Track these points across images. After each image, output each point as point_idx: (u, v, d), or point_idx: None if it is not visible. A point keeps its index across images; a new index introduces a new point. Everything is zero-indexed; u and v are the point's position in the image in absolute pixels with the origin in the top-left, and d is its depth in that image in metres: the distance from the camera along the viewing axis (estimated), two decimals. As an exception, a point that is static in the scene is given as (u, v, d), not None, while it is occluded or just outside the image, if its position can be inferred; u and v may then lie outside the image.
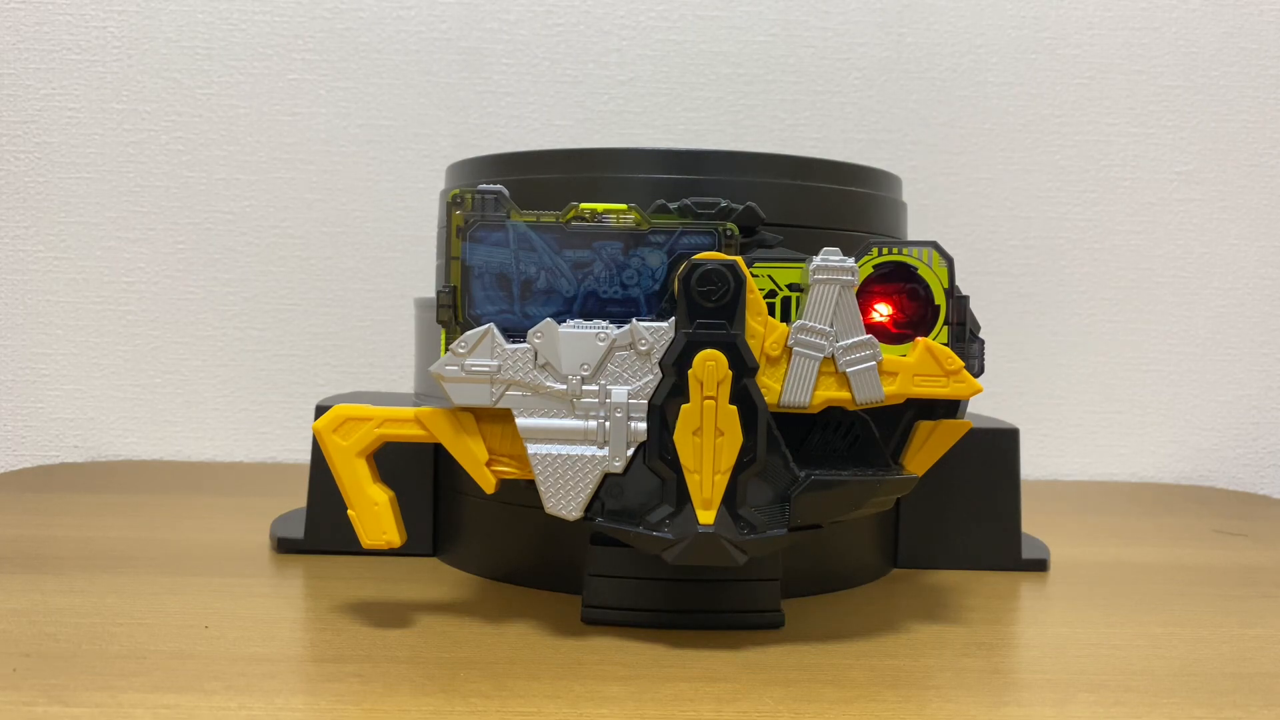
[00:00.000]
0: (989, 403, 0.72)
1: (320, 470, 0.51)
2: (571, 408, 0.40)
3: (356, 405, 0.42)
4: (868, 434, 0.42)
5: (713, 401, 0.39)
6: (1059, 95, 0.81)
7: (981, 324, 0.41)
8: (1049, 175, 0.81)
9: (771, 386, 0.39)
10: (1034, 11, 0.81)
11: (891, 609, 0.46)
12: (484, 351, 0.40)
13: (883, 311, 0.40)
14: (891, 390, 0.40)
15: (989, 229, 0.82)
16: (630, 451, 0.39)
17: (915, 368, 0.40)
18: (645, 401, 0.39)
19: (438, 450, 0.51)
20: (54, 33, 0.77)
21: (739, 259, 0.39)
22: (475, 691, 0.35)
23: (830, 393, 0.40)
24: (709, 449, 0.39)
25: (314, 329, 0.80)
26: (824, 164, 0.48)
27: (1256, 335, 0.83)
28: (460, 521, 0.51)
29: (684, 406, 0.39)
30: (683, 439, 0.39)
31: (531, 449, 0.40)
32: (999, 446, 0.54)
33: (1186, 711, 0.36)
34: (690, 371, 0.39)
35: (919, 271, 0.40)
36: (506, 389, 0.40)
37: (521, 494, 0.42)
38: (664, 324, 0.39)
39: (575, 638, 0.41)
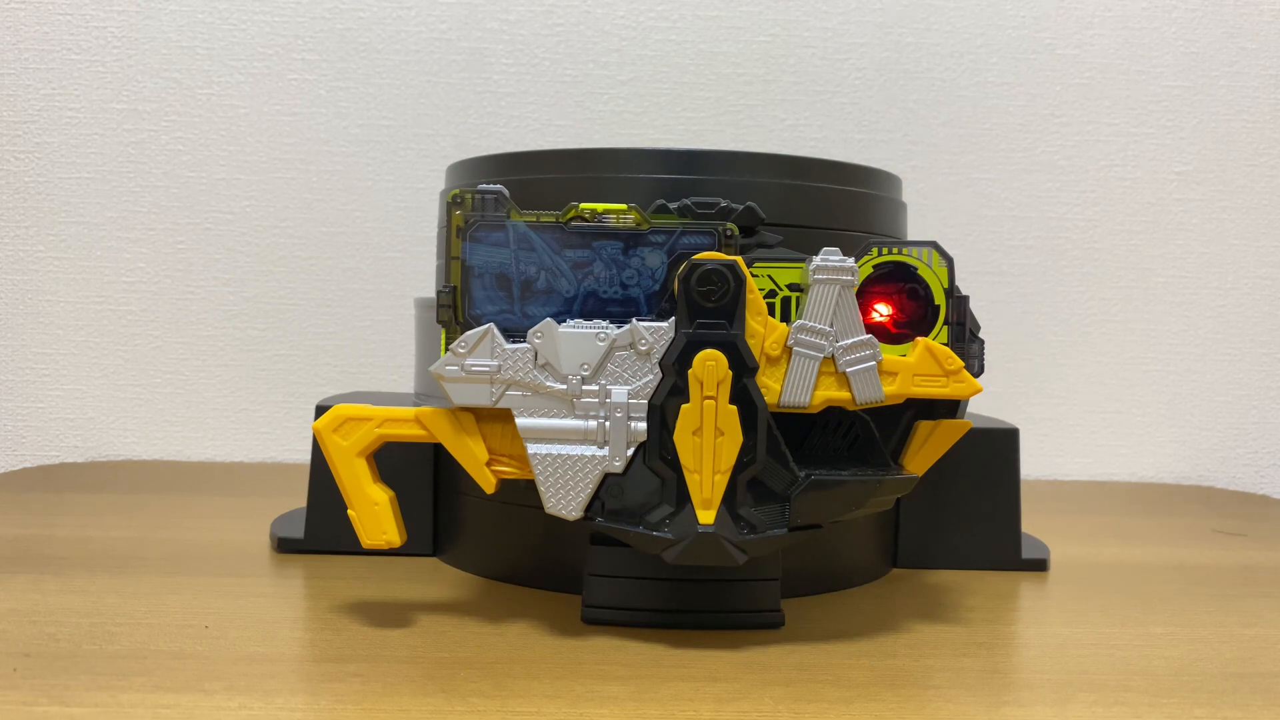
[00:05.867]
0: (989, 403, 0.72)
1: (320, 470, 0.51)
2: (571, 408, 0.40)
3: (356, 405, 0.42)
4: (868, 434, 0.42)
5: (713, 401, 0.39)
6: (1059, 95, 0.81)
7: (981, 324, 0.41)
8: (1049, 175, 0.81)
9: (771, 386, 0.39)
10: (1034, 11, 0.81)
11: (891, 609, 0.46)
12: (484, 351, 0.40)
13: (883, 311, 0.40)
14: (891, 390, 0.40)
15: (989, 229, 0.82)
16: (630, 451, 0.39)
17: (915, 368, 0.40)
18: (645, 401, 0.39)
19: (438, 450, 0.51)
20: (54, 33, 0.77)
21: (739, 259, 0.39)
22: (475, 691, 0.35)
23: (830, 393, 0.39)
24: (709, 449, 0.39)
25: (314, 329, 0.80)
26: (824, 164, 0.48)
27: (1256, 335, 0.83)
28: (460, 521, 0.51)
29: (684, 406, 0.39)
30: (683, 439, 0.39)
31: (531, 449, 0.40)
32: (999, 446, 0.54)
33: (1186, 711, 0.36)
34: (690, 371, 0.39)
35: (919, 271, 0.40)
36: (506, 389, 0.40)
37: (521, 494, 0.42)
38: (664, 324, 0.39)
39: (575, 638, 0.41)
